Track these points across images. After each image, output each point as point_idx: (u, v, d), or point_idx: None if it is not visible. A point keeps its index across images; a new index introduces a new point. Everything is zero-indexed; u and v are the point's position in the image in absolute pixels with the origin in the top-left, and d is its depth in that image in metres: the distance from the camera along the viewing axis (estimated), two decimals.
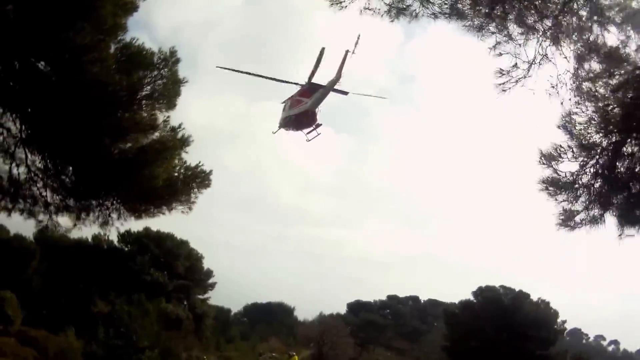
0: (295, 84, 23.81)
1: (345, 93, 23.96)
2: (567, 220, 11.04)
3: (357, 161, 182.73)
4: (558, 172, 10.62)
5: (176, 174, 16.36)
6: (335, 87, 23.04)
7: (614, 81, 10.14)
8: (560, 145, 10.41)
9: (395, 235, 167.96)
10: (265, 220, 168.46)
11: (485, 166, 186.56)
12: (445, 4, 10.43)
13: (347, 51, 22.11)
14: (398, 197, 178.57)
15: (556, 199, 10.86)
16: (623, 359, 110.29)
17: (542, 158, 10.47)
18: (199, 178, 16.58)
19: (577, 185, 10.66)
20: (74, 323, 22.08)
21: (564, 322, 44.89)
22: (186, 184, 16.52)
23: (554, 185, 10.73)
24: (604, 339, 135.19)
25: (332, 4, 10.17)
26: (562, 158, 10.39)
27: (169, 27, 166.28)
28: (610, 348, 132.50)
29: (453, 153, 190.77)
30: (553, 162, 10.49)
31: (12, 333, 17.41)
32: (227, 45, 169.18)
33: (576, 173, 10.59)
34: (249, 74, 23.49)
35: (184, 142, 15.86)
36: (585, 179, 10.64)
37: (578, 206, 10.89)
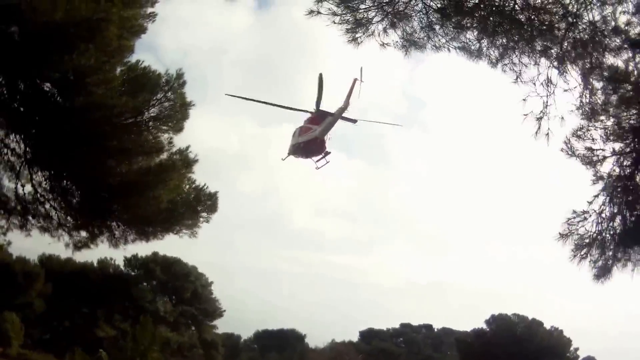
0: (304, 111, 23.78)
1: (354, 121, 23.91)
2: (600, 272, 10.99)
3: (370, 187, 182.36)
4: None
5: (181, 197, 16.24)
6: (344, 114, 22.99)
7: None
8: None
9: (409, 262, 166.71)
10: (278, 244, 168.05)
11: (500, 191, 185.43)
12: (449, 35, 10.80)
13: (355, 79, 22.10)
14: (412, 222, 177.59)
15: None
16: None
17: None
18: (205, 200, 16.45)
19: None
20: (78, 346, 21.82)
21: (576, 349, 44.22)
22: (192, 206, 16.38)
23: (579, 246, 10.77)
24: None
25: (349, 41, 10.74)
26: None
27: (178, 49, 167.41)
28: None
29: (465, 178, 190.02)
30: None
31: (12, 356, 17.19)
32: (238, 67, 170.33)
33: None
34: (258, 101, 23.47)
35: (189, 163, 15.72)
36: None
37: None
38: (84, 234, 17.56)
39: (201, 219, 16.57)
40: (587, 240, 10.69)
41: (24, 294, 29.37)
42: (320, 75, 22.20)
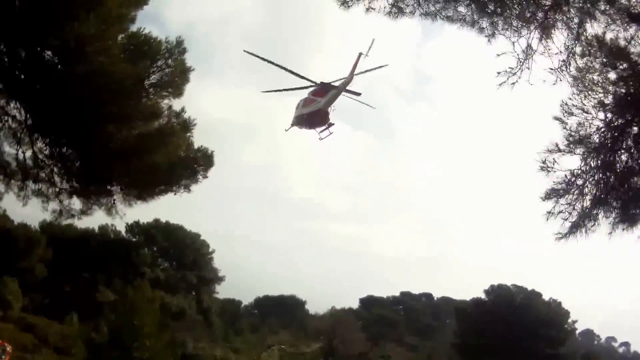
0: (313, 82, 23.70)
1: (358, 94, 23.89)
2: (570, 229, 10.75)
3: (374, 159, 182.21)
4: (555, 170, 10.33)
5: (180, 158, 16.54)
6: (348, 87, 22.95)
7: (611, 73, 9.95)
8: (557, 144, 10.17)
9: (411, 233, 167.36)
10: (282, 214, 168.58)
11: (503, 165, 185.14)
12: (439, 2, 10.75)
13: (360, 54, 22.02)
14: (415, 195, 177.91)
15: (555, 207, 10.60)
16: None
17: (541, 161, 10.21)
18: (201, 159, 16.88)
19: (573, 187, 10.39)
20: (78, 311, 22.05)
21: (574, 322, 44.51)
22: (190, 167, 16.84)
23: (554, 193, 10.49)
24: (615, 340, 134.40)
25: (340, 4, 10.84)
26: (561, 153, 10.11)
27: (183, 22, 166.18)
28: (621, 349, 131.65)
29: (471, 152, 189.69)
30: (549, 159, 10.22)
31: (12, 319, 17.35)
32: (243, 40, 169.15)
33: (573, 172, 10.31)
34: (274, 63, 23.31)
35: (187, 127, 16.12)
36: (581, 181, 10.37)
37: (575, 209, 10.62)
38: (83, 199, 17.78)
39: (200, 176, 17.08)
40: (562, 186, 10.43)
41: (25, 259, 29.50)
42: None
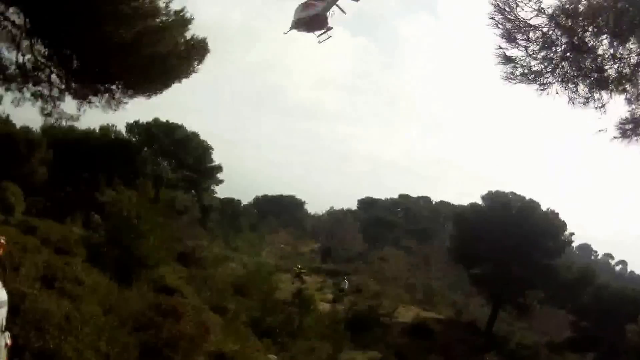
0: None
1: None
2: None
3: (374, 63, 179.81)
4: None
5: (177, 52, 16.51)
6: None
7: None
8: None
9: (410, 138, 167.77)
10: (279, 115, 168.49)
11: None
12: None
13: None
14: (416, 99, 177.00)
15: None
16: (630, 279, 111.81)
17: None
18: (197, 47, 16.86)
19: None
20: (79, 212, 22.33)
21: (571, 234, 44.70)
22: (186, 59, 16.88)
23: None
24: (612, 257, 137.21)
25: None
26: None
27: None
28: (617, 268, 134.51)
29: (474, 59, 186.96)
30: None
31: (14, 223, 17.58)
32: None
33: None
34: None
35: (184, 23, 16.20)
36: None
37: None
38: (82, 98, 17.78)
39: (195, 62, 17.18)
40: None
41: (26, 163, 29.51)
42: None
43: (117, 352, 8.56)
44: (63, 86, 17.53)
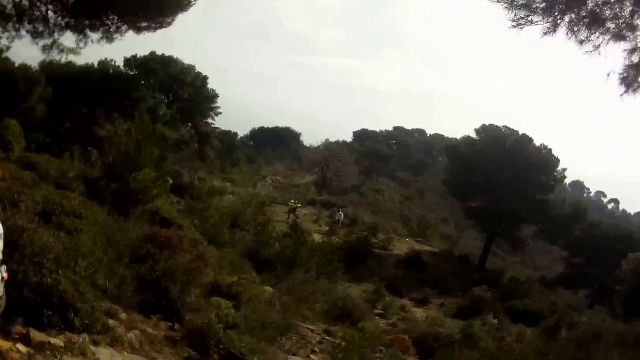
0: None
1: None
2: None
3: None
4: None
5: None
6: None
7: None
8: None
9: (405, 69, 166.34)
10: (274, 48, 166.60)
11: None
12: None
13: None
14: (410, 31, 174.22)
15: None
16: (621, 218, 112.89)
17: None
18: None
19: None
20: (78, 146, 22.23)
21: (564, 170, 44.78)
22: None
23: None
24: (605, 195, 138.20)
25: None
26: None
27: None
28: (609, 206, 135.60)
29: None
30: None
31: (13, 160, 17.57)
32: None
33: None
34: None
35: None
36: None
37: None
38: (78, 33, 17.61)
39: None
40: None
41: (25, 100, 29.25)
42: None
43: (114, 285, 8.73)
44: (60, 22, 17.37)
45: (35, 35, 16.74)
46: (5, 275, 5.30)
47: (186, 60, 41.58)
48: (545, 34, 9.81)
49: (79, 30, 17.53)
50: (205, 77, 43.16)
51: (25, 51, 17.65)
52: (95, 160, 23.91)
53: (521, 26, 9.87)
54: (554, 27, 9.86)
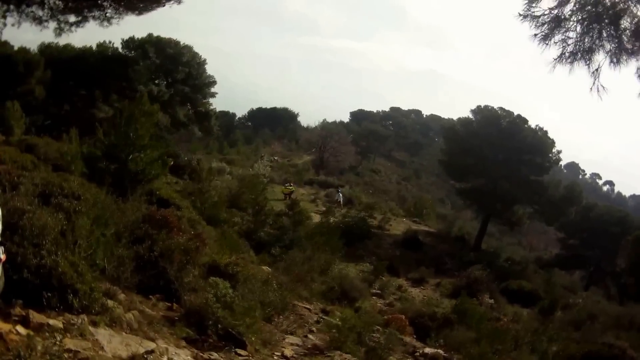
0: None
1: None
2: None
3: None
4: None
5: None
6: None
7: None
8: None
9: (403, 49, 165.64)
10: (273, 29, 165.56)
11: None
12: None
13: None
14: (408, 11, 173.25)
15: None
16: (616, 200, 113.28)
17: None
18: None
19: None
20: (77, 128, 22.19)
21: (559, 152, 44.81)
22: None
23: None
24: (600, 177, 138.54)
25: None
26: None
27: None
28: (605, 188, 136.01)
29: None
30: None
31: (13, 143, 17.63)
32: None
33: None
34: None
35: None
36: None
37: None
38: (76, 14, 17.58)
39: None
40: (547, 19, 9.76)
41: (25, 83, 29.22)
42: None
43: (113, 265, 8.81)
44: (58, 3, 17.33)
45: (35, 18, 16.69)
46: (3, 256, 5.36)
47: (185, 40, 41.52)
48: None
49: (77, 10, 17.50)
50: (203, 60, 42.97)
51: (25, 34, 17.63)
52: (94, 142, 23.95)
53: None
54: None
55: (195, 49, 42.31)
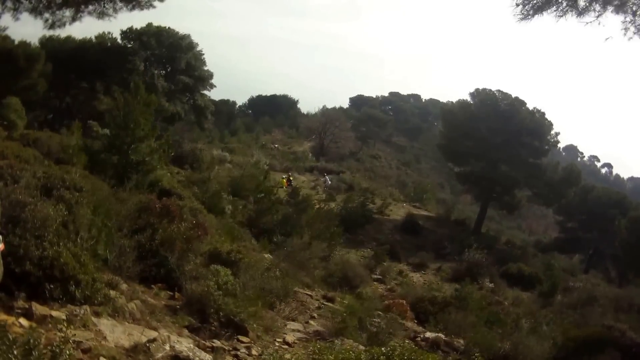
0: None
1: None
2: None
3: None
4: None
5: None
6: None
7: None
8: None
9: (403, 31, 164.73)
10: (269, 12, 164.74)
11: None
12: None
13: None
14: None
15: None
16: (614, 183, 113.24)
17: None
18: None
19: None
20: (79, 121, 22.29)
21: (557, 134, 44.71)
22: None
23: None
24: (599, 160, 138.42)
25: None
26: None
27: None
28: (603, 170, 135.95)
29: None
30: None
31: (16, 138, 17.68)
32: None
33: None
34: None
35: None
36: None
37: None
38: (75, 7, 17.52)
39: None
40: None
41: (26, 77, 29.21)
42: None
43: (115, 255, 8.89)
44: None
45: (34, 11, 16.65)
46: (1, 246, 5.41)
47: (182, 29, 41.41)
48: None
49: (76, 3, 17.43)
50: (200, 47, 42.89)
51: (25, 28, 17.55)
52: (96, 134, 24.05)
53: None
54: None
55: (199, 36, 42.20)
